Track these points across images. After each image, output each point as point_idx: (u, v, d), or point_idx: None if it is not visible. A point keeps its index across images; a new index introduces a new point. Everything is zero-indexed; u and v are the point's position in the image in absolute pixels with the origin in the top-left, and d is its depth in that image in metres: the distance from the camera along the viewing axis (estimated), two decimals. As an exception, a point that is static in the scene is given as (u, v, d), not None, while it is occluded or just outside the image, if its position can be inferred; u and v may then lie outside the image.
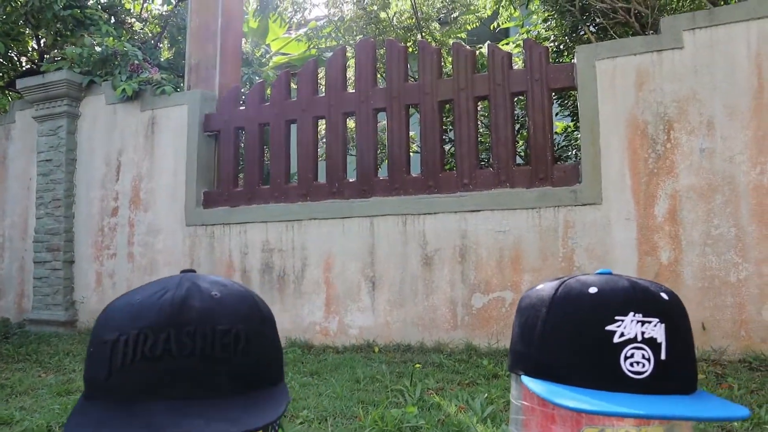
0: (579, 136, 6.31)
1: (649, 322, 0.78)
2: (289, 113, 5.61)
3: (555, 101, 6.81)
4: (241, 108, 5.94)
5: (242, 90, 6.92)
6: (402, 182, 5.04)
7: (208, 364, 0.62)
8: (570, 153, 6.75)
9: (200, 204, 5.94)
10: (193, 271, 0.73)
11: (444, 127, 5.48)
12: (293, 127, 5.71)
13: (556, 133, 6.84)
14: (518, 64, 6.21)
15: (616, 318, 0.78)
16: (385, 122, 5.51)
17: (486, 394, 3.08)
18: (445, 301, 4.81)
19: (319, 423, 2.83)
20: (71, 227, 6.81)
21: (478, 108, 5.15)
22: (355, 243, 5.12)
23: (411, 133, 5.72)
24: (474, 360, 4.24)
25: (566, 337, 0.81)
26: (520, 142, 6.36)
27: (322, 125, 6.10)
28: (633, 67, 4.52)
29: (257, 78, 8.22)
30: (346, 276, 5.15)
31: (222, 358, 0.63)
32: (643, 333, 0.78)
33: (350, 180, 5.32)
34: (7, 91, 8.49)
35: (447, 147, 6.13)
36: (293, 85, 5.90)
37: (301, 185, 5.45)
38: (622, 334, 0.77)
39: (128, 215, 6.43)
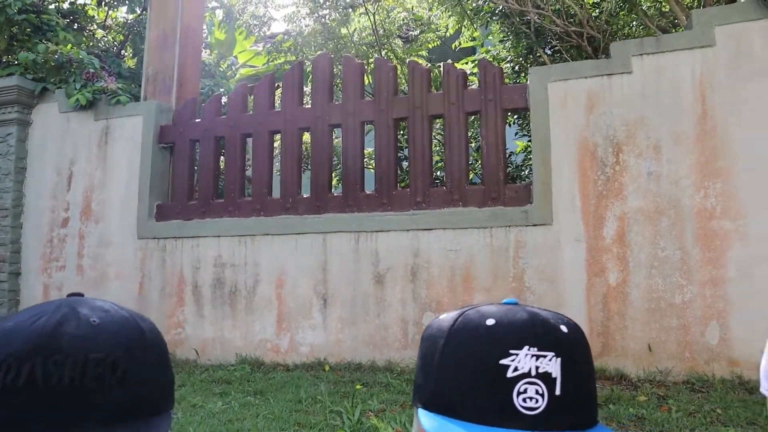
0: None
1: (545, 356, 0.76)
2: (244, 127, 5.55)
3: (515, 121, 6.89)
4: (197, 120, 5.85)
5: (202, 102, 6.83)
6: (356, 199, 5.01)
7: (78, 395, 0.58)
8: (529, 173, 6.81)
9: (153, 217, 5.82)
10: (81, 295, 0.69)
11: (400, 145, 5.49)
12: (249, 141, 5.65)
13: (514, 153, 6.91)
14: (475, 83, 6.25)
15: (511, 352, 0.76)
16: (340, 138, 5.49)
17: (426, 417, 3.04)
18: (397, 319, 4.78)
19: (253, 446, 2.75)
20: (19, 238, 6.60)
21: (435, 126, 5.17)
22: (308, 259, 5.06)
23: (368, 150, 5.71)
24: (423, 380, 4.20)
25: (460, 370, 0.79)
26: (478, 162, 6.40)
27: (278, 140, 6.05)
28: (584, 90, 4.59)
29: (219, 90, 8.13)
30: (298, 293, 5.08)
31: (94, 388, 0.59)
32: (537, 368, 0.76)
33: (304, 196, 5.27)
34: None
35: (404, 164, 6.13)
36: (251, 99, 5.85)
37: (256, 200, 5.38)
38: (515, 369, 0.75)
39: (79, 227, 6.26)
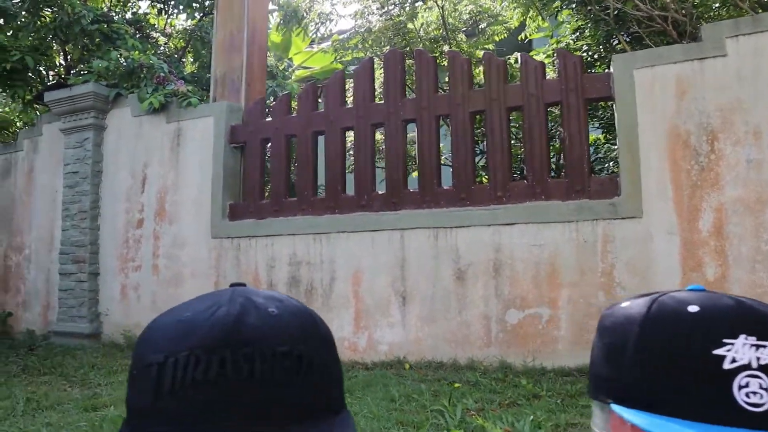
0: (610, 147, 6.16)
1: (764, 347, 0.66)
2: (316, 125, 5.54)
3: (585, 112, 6.65)
4: (268, 119, 5.88)
5: (267, 102, 6.87)
6: (433, 195, 4.92)
7: (268, 390, 0.54)
8: (603, 165, 6.58)
9: (226, 216, 5.87)
10: (243, 285, 0.65)
11: (476, 139, 5.37)
12: (320, 139, 5.63)
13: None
14: (549, 74, 6.07)
15: (725, 341, 0.66)
16: (413, 134, 5.41)
17: (531, 417, 2.92)
18: (479, 317, 4.66)
19: (357, 445, 2.69)
20: (96, 239, 6.78)
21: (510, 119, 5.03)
22: (385, 257, 5.00)
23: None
24: (511, 379, 4.08)
25: (665, 361, 0.70)
26: (552, 154, 6.22)
27: (349, 137, 6.03)
28: (673, 75, 4.37)
29: (281, 91, 8.19)
30: (376, 290, 5.02)
31: (282, 383, 0.55)
32: (758, 358, 0.66)
33: (379, 192, 5.22)
34: (35, 105, 8.57)
35: (477, 159, 6.00)
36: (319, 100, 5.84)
37: (329, 198, 5.35)
38: (733, 360, 0.65)
39: (153, 227, 6.39)
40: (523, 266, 4.55)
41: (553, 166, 6.22)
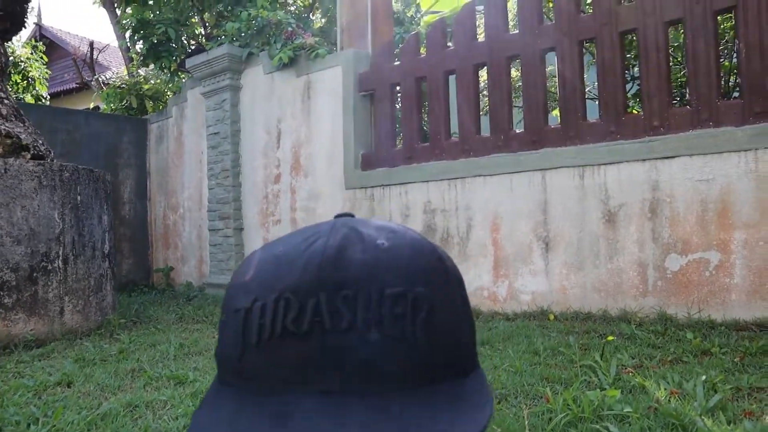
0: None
1: None
2: (446, 64, 5.21)
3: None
4: (396, 63, 5.64)
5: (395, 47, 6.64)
6: (577, 129, 4.43)
7: (375, 344, 0.44)
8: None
9: (358, 166, 5.80)
10: (351, 215, 0.54)
11: (626, 63, 4.73)
12: (452, 79, 5.30)
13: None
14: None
15: None
16: (552, 66, 4.89)
17: (704, 376, 2.49)
18: (632, 263, 4.17)
19: (498, 402, 2.46)
20: (239, 196, 7.07)
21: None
22: (525, 200, 4.63)
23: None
24: (672, 332, 3.60)
25: None
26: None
27: (482, 75, 5.62)
28: None
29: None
30: (516, 237, 4.69)
31: (394, 334, 0.44)
32: None
33: (517, 131, 4.81)
34: (179, 73, 9.06)
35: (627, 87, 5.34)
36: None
37: (463, 140, 5.04)
38: None
39: (290, 181, 6.51)
40: (686, 205, 3.97)
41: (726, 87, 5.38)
